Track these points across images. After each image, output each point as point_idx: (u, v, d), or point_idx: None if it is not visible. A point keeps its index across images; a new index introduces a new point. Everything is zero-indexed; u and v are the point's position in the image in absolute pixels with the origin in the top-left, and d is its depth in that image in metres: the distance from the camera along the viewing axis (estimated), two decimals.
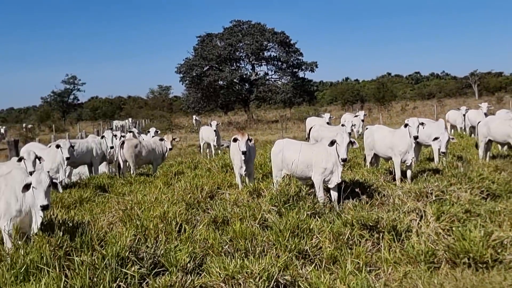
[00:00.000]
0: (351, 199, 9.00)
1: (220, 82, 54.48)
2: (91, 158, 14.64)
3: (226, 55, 53.99)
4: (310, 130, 17.46)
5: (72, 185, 12.88)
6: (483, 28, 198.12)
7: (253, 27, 56.45)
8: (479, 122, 14.33)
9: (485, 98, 67.57)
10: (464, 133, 20.80)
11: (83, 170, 15.47)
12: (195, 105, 55.08)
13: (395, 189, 9.22)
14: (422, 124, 11.21)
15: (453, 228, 6.39)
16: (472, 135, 20.37)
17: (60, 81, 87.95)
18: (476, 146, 14.36)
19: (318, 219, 7.65)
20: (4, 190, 7.11)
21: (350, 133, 15.80)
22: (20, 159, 10.06)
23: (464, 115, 20.52)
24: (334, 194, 9.33)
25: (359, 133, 22.14)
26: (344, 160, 8.97)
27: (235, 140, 11.01)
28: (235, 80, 54.93)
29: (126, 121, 47.97)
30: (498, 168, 11.31)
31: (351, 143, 9.12)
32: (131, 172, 14.62)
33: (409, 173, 11.34)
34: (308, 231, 7.02)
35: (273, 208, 8.50)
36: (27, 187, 6.90)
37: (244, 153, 10.75)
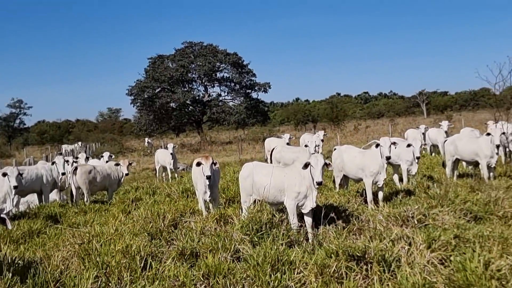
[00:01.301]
0: (327, 225, 8.48)
1: (172, 104, 53.53)
2: (41, 185, 13.64)
3: (178, 77, 53.18)
4: (272, 152, 16.92)
5: (20, 216, 11.85)
6: (428, 48, 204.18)
7: (205, 48, 56.00)
8: (445, 141, 14.13)
9: (434, 117, 69.24)
10: (424, 152, 20.71)
11: (31, 198, 14.42)
12: (147, 127, 53.85)
13: (374, 213, 8.72)
14: (394, 143, 10.82)
15: (451, 258, 5.89)
16: (433, 153, 20.32)
17: (5, 105, 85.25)
18: (443, 165, 14.14)
19: (298, 249, 7.04)
20: None
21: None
22: None
23: (423, 133, 20.42)
24: (308, 220, 8.75)
25: (319, 153, 21.73)
26: (319, 184, 8.40)
27: (198, 164, 10.32)
28: (187, 102, 54.18)
29: (76, 145, 46.34)
30: (473, 188, 11.01)
31: (326, 165, 8.59)
32: (85, 199, 13.68)
33: (380, 194, 10.91)
34: (289, 263, 6.40)
35: (245, 237, 7.87)
36: None
37: (208, 177, 10.10)
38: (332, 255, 6.36)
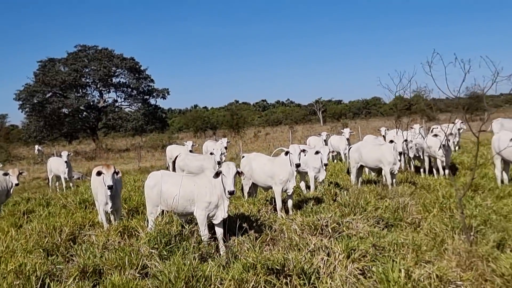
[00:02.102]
0: (239, 236, 8.14)
1: (65, 110, 50.85)
2: None
3: (71, 81, 50.63)
4: (175, 159, 16.35)
5: None
6: (323, 57, 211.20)
7: (100, 52, 53.88)
8: (349, 148, 14.32)
9: (330, 124, 71.46)
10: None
11: None
12: (37, 134, 50.68)
13: (288, 223, 8.49)
14: (303, 151, 10.70)
15: (373, 268, 5.73)
16: (335, 160, 20.67)
17: None
18: (348, 171, 14.31)
19: (212, 263, 6.61)
20: None
21: (219, 162, 15.07)
22: None
23: (325, 140, 20.71)
24: (219, 231, 8.36)
25: (223, 161, 21.43)
26: (231, 193, 8.05)
27: (99, 173, 9.66)
28: (81, 108, 51.75)
29: None
30: (380, 195, 11.14)
31: (238, 173, 8.25)
32: None
33: (290, 202, 10.75)
34: (204, 279, 5.96)
35: (153, 251, 7.34)
36: None
37: (110, 187, 9.51)
38: (250, 268, 6.01)
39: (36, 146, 44.57)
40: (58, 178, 20.05)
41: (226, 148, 22.25)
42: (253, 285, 5.74)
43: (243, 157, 12.10)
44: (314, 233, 7.66)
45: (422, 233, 7.97)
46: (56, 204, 13.01)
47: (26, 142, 58.24)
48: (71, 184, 19.50)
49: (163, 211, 8.76)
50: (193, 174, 9.22)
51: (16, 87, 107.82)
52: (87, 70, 52.76)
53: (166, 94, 55.56)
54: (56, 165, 19.60)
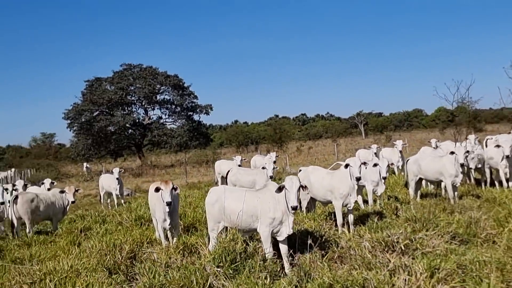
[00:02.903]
0: (305, 253, 7.84)
1: (111, 128, 51.72)
2: None
3: (117, 100, 51.59)
4: (227, 174, 16.17)
5: None
6: (363, 70, 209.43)
7: (144, 70, 54.75)
8: (407, 160, 13.85)
9: (373, 137, 70.46)
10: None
11: None
12: (85, 152, 51.72)
13: (355, 239, 8.13)
14: (364, 163, 10.35)
15: None
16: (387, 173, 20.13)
17: None
18: (406, 185, 13.84)
19: (284, 282, 6.31)
20: None
21: (272, 177, 14.83)
22: None
23: (375, 153, 20.21)
24: (284, 248, 8.06)
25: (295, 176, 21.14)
26: (294, 208, 7.77)
27: (157, 189, 9.52)
28: (127, 125, 52.52)
29: (9, 171, 43.86)
30: (447, 209, 10.66)
31: (301, 187, 7.96)
32: (27, 230, 12.48)
33: (351, 217, 10.38)
34: None
35: (219, 269, 7.10)
36: None
37: (169, 204, 9.33)
38: None
39: (85, 164, 45.37)
40: (109, 195, 20.15)
41: (275, 162, 22.02)
42: None
43: (300, 171, 11.80)
44: (386, 250, 7.29)
45: (500, 250, 7.49)
46: (112, 221, 12.97)
47: (74, 160, 59.41)
48: (122, 201, 19.54)
49: (225, 227, 8.55)
50: (255, 189, 8.97)
51: (63, 107, 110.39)
52: (132, 88, 53.64)
53: (209, 110, 55.92)
54: (108, 182, 19.70)
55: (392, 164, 13.72)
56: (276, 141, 59.03)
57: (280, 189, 7.90)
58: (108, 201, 20.42)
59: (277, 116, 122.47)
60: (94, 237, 10.66)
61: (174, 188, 9.56)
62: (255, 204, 8.13)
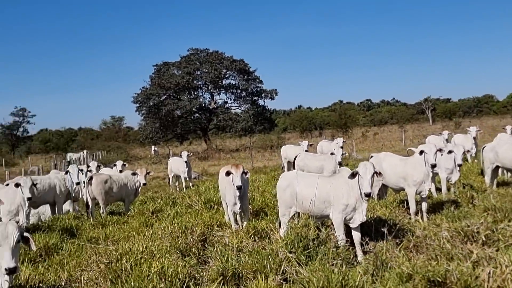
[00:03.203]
0: (380, 241, 7.65)
1: (178, 112, 52.53)
2: (54, 196, 12.79)
3: (184, 84, 52.31)
4: (294, 159, 16.06)
5: (33, 229, 10.97)
6: (429, 55, 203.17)
7: (211, 55, 55.14)
8: (483, 147, 13.27)
9: (441, 123, 68.44)
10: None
11: (43, 209, 13.57)
12: (153, 135, 52.85)
13: (432, 228, 7.85)
14: (440, 150, 9.99)
15: None
16: None
17: (9, 114, 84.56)
18: (482, 172, 13.29)
19: (360, 270, 6.15)
20: None
21: (340, 162, 14.63)
22: None
23: (446, 139, 19.52)
24: (356, 236, 7.91)
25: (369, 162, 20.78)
26: (367, 195, 7.60)
27: (228, 173, 9.52)
28: (193, 109, 53.21)
29: (81, 153, 45.47)
30: None
31: (376, 174, 7.76)
32: (101, 211, 12.84)
33: (424, 205, 10.05)
34: None
35: (291, 255, 7.01)
36: None
37: (239, 188, 9.30)
38: (406, 279, 5.49)
39: (153, 147, 46.46)
40: (178, 177, 20.50)
41: (342, 147, 21.69)
42: None
43: (371, 157, 11.53)
44: (465, 240, 7.00)
45: None
46: (182, 204, 13.14)
47: (142, 143, 60.93)
48: (190, 184, 19.81)
49: (296, 213, 8.47)
50: (328, 175, 8.82)
51: (132, 91, 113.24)
52: (199, 72, 54.17)
53: (274, 95, 55.70)
54: (177, 165, 20.04)
55: (468, 151, 13.17)
56: (341, 127, 58.37)
57: (353, 175, 7.73)
58: (177, 183, 20.78)
59: (341, 101, 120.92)
60: (166, 219, 10.83)
61: (244, 172, 9.53)
62: (328, 190, 8.00)
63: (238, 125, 52.74)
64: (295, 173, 8.82)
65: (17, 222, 10.58)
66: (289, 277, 6.59)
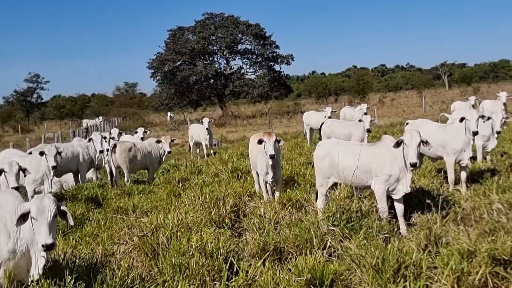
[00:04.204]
0: (425, 213, 7.27)
1: (194, 77, 51.92)
2: (77, 164, 12.49)
3: (199, 49, 51.62)
4: (321, 126, 15.62)
5: (57, 198, 10.68)
6: (446, 19, 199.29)
7: (226, 19, 54.22)
8: None
9: (458, 89, 67.28)
10: None
11: (65, 178, 13.32)
12: (168, 101, 52.51)
13: (481, 200, 7.45)
14: (482, 117, 9.51)
15: None
16: None
17: (23, 80, 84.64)
18: None
19: (412, 246, 5.77)
20: None
21: (369, 129, 14.23)
22: (0, 172, 7.93)
23: (473, 105, 18.87)
24: (400, 208, 7.53)
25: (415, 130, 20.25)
26: (413, 165, 7.17)
27: (260, 141, 9.09)
28: (209, 75, 52.57)
29: (97, 119, 45.33)
30: None
31: (422, 143, 7.32)
32: (125, 179, 12.58)
33: (463, 175, 9.60)
34: (413, 267, 5.14)
35: (334, 229, 6.65)
36: (23, 218, 4.92)
37: (272, 157, 8.88)
38: (466, 256, 5.09)
39: (169, 113, 46.15)
40: (198, 145, 20.17)
41: (366, 114, 21.14)
42: (478, 277, 4.83)
43: (407, 124, 11.06)
44: None
45: None
46: (208, 172, 12.81)
47: (156, 109, 60.62)
48: (212, 151, 19.48)
49: (334, 183, 8.10)
50: (369, 144, 8.39)
51: (146, 57, 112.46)
52: (214, 38, 53.41)
53: (291, 60, 54.86)
54: (198, 132, 19.69)
55: (507, 118, 12.62)
56: (358, 93, 57.55)
57: (398, 144, 7.30)
58: (197, 151, 20.47)
59: (355, 67, 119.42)
60: (193, 189, 10.50)
61: (277, 140, 9.12)
62: (370, 159, 7.59)
63: (254, 91, 52.15)
64: (334, 141, 8.40)
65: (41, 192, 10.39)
66: (334, 252, 6.26)
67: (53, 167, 10.29)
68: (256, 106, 60.55)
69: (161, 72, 52.26)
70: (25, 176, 8.26)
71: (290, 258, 6.21)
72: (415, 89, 75.33)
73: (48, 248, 4.79)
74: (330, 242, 6.36)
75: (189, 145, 20.88)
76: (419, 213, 7.63)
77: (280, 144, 9.34)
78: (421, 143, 7.30)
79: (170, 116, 45.49)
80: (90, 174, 13.64)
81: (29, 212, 4.90)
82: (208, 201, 8.64)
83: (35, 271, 5.06)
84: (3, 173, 7.90)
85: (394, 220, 7.34)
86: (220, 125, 40.55)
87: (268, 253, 6.23)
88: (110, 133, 15.62)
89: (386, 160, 7.44)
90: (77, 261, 5.78)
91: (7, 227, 5.03)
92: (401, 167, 7.36)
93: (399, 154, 7.35)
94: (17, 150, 12.49)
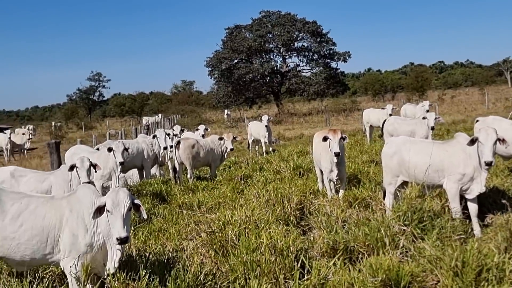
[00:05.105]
0: (499, 214, 6.99)
1: (250, 75, 52.06)
2: (142, 160, 12.76)
3: (256, 47, 51.78)
4: (383, 124, 15.33)
5: None
6: (508, 14, 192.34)
7: (283, 17, 54.18)
8: None
9: None
10: None
11: (129, 173, 13.60)
12: (225, 99, 52.98)
13: None
14: None
15: None
16: None
17: (86, 78, 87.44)
18: None
19: (492, 247, 5.55)
20: (69, 217, 5.20)
21: (433, 127, 13.87)
22: (71, 168, 8.13)
23: None
24: (473, 207, 7.25)
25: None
26: (488, 164, 6.89)
27: (325, 139, 8.97)
28: (265, 73, 52.61)
29: (156, 117, 46.17)
30: None
31: (499, 141, 7.03)
32: (188, 176, 12.71)
33: None
34: (495, 271, 4.93)
35: (406, 228, 6.48)
36: (99, 211, 5.01)
37: (337, 154, 8.76)
38: None
39: (226, 111, 46.53)
40: (257, 142, 20.18)
41: (428, 111, 20.61)
42: None
43: (477, 121, 10.70)
44: None
45: None
46: (269, 169, 12.77)
47: (213, 107, 61.23)
48: (270, 148, 19.44)
49: (403, 182, 7.90)
50: (442, 141, 8.13)
51: (203, 55, 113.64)
52: (270, 35, 53.47)
53: (347, 57, 54.26)
54: (257, 129, 19.68)
55: None
56: (417, 90, 56.27)
57: (472, 142, 7.04)
58: (256, 148, 20.49)
59: (412, 63, 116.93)
60: (257, 186, 10.50)
61: (343, 138, 8.98)
62: (442, 157, 7.35)
63: (311, 88, 51.88)
64: (404, 138, 8.20)
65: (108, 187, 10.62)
66: (406, 252, 6.09)
67: (121, 163, 10.49)
68: (311, 104, 60.22)
69: (218, 70, 52.72)
70: (95, 171, 8.42)
71: (361, 258, 6.09)
72: (475, 86, 73.11)
73: (122, 241, 4.85)
74: (403, 242, 6.19)
75: (248, 142, 20.90)
76: (499, 213, 7.33)
77: (345, 141, 9.19)
78: (497, 141, 7.02)
79: (227, 114, 45.84)
80: (154, 170, 13.87)
81: (105, 205, 4.99)
82: (273, 198, 8.60)
83: (111, 265, 5.15)
84: (75, 168, 8.09)
85: (467, 220, 7.10)
86: (276, 122, 40.50)
87: (340, 253, 6.13)
88: (173, 130, 15.84)
89: (459, 159, 7.20)
90: (149, 256, 5.84)
91: (85, 221, 5.15)
92: (476, 166, 7.09)
93: (474, 153, 7.09)
94: (86, 146, 12.80)
